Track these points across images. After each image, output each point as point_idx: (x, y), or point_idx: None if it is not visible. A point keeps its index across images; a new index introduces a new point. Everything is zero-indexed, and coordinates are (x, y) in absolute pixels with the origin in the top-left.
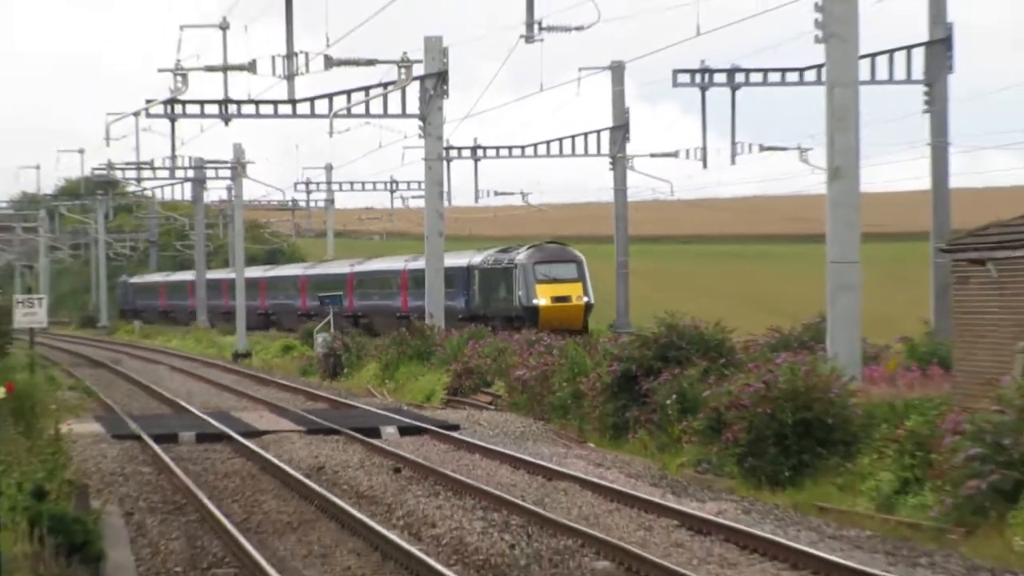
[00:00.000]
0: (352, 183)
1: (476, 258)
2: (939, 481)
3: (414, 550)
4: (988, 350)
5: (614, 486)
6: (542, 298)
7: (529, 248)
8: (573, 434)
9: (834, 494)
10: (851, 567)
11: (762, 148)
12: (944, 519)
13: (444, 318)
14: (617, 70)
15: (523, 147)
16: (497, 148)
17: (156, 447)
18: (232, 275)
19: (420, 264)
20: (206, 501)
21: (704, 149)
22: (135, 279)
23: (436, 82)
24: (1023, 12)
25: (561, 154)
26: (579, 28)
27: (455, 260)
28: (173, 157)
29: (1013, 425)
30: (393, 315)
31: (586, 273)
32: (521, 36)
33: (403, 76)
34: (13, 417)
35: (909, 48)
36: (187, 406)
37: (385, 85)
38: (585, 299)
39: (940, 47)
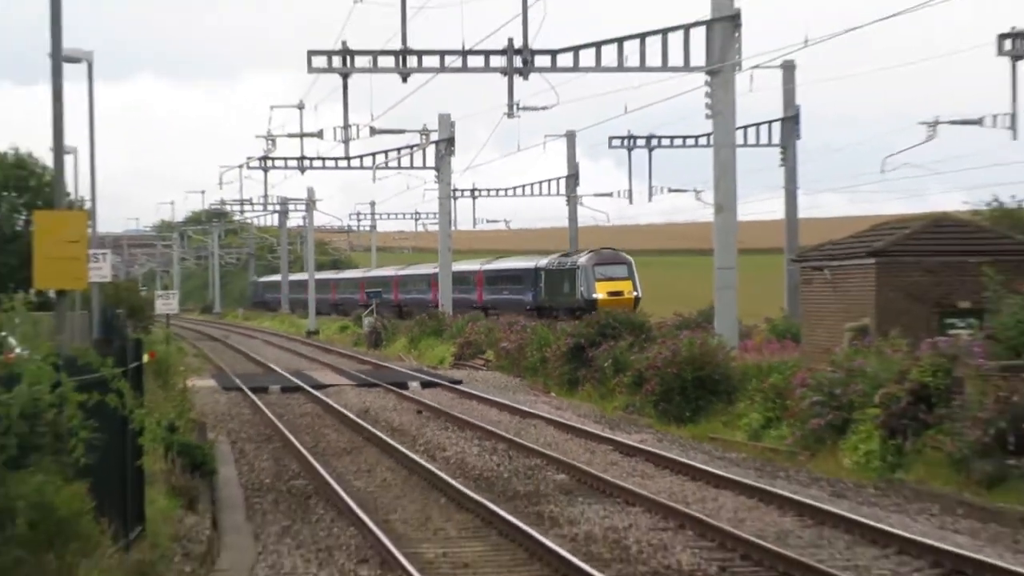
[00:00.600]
0: (388, 214)
1: (542, 261)
2: (792, 419)
3: (431, 466)
4: (825, 329)
5: (569, 423)
6: (600, 293)
7: (588, 253)
8: (540, 387)
9: (720, 428)
10: (731, 478)
11: (670, 190)
12: (795, 446)
13: (512, 310)
14: (570, 137)
15: (506, 189)
16: (488, 190)
17: (253, 396)
18: (317, 277)
19: (493, 266)
20: (287, 433)
21: (630, 191)
22: (263, 279)
23: (446, 145)
24: (843, 98)
25: (532, 194)
26: (544, 108)
27: (522, 264)
28: (265, 196)
29: (842, 381)
30: (471, 306)
31: (635, 273)
32: (505, 113)
33: (424, 141)
34: (154, 376)
35: (770, 122)
36: (274, 367)
37: (412, 147)
38: (635, 293)
39: (791, 122)
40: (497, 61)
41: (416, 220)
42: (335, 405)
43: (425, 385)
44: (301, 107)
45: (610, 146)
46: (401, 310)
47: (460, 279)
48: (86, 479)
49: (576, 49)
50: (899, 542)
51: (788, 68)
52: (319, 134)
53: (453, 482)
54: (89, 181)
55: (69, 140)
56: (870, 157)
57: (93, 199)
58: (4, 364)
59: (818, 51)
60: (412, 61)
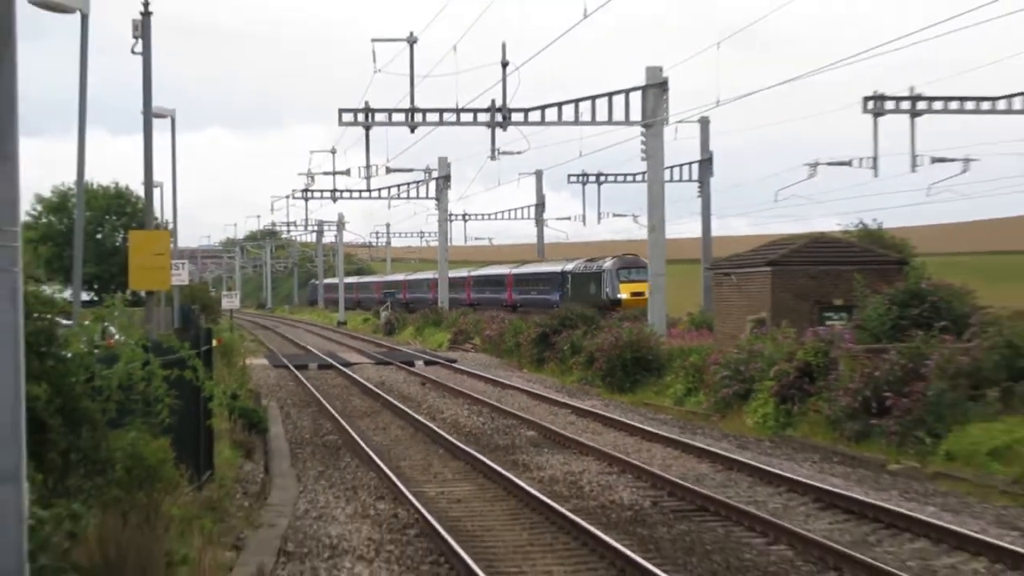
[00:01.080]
0: (400, 232)
1: (568, 266)
2: (707, 389)
3: (432, 425)
4: (732, 321)
5: (537, 392)
6: (624, 293)
7: (613, 258)
8: (515, 365)
9: (652, 396)
10: (661, 434)
11: (614, 215)
12: (709, 409)
13: (540, 309)
14: (539, 174)
15: (490, 214)
16: (476, 215)
17: (296, 372)
18: (346, 281)
19: (523, 270)
20: (322, 400)
21: (584, 215)
22: (317, 282)
23: (444, 180)
24: (746, 144)
25: (510, 218)
26: (519, 152)
27: (550, 267)
28: (306, 219)
29: (745, 360)
30: (502, 304)
31: None
32: (488, 156)
33: (427, 177)
34: (220, 356)
35: (690, 163)
36: (312, 349)
37: (418, 182)
38: None
39: (706, 163)
40: (483, 117)
41: (421, 237)
42: (359, 378)
43: (428, 363)
44: (333, 151)
45: (568, 181)
46: (408, 306)
47: (483, 281)
48: (168, 435)
49: (543, 108)
50: (788, 483)
51: (704, 123)
52: (347, 172)
53: (449, 437)
54: (172, 207)
55: (156, 176)
56: (766, 190)
57: (174, 221)
58: (106, 347)
59: (728, 109)
60: (418, 117)
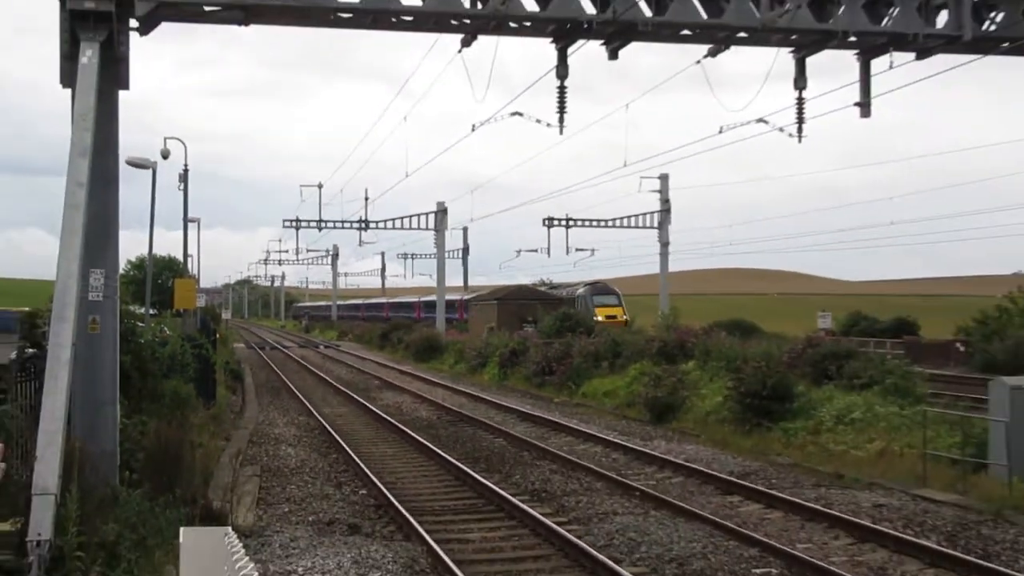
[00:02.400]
0: (314, 280)
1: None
2: (463, 360)
3: (328, 378)
4: (478, 328)
5: (380, 361)
6: (599, 316)
7: (587, 285)
8: (371, 349)
9: (437, 365)
10: (441, 383)
11: (419, 274)
12: (466, 371)
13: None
14: (383, 255)
15: (360, 273)
16: (353, 273)
17: (259, 352)
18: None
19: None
20: (271, 364)
21: (405, 274)
22: (301, 304)
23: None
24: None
25: (368, 274)
26: (374, 242)
27: (454, 297)
28: (266, 273)
29: (483, 346)
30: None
31: (622, 301)
32: (357, 244)
33: (328, 253)
34: (221, 343)
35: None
36: (267, 339)
37: (321, 255)
38: (625, 317)
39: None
40: (354, 225)
41: (323, 284)
42: (291, 355)
43: (325, 347)
44: (280, 240)
45: (398, 256)
46: (336, 320)
47: (425, 306)
48: (192, 383)
49: (388, 220)
50: (505, 408)
51: (464, 232)
52: (287, 251)
53: (336, 384)
54: (197, 268)
55: (191, 251)
56: (498, 260)
57: (198, 274)
58: (162, 338)
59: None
60: (327, 224)
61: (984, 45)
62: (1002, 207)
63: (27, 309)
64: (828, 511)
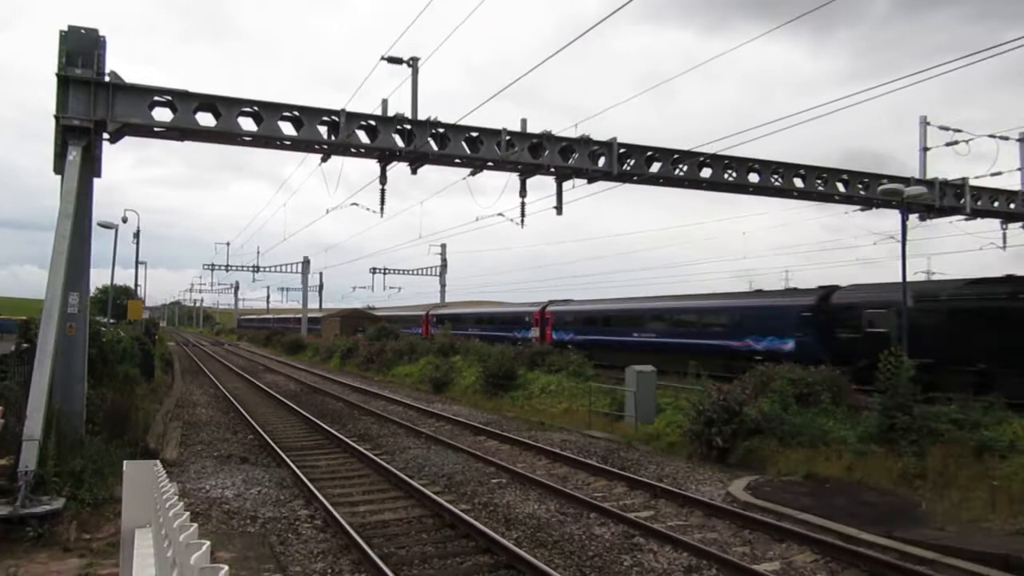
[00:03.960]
0: (222, 303)
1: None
2: (320, 354)
3: (231, 365)
4: (329, 334)
5: (265, 354)
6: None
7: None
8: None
9: (306, 358)
10: (307, 369)
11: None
12: (317, 361)
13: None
14: (267, 290)
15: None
16: (247, 299)
17: (186, 349)
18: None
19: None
20: (192, 356)
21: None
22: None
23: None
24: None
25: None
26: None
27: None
28: (197, 298)
29: (331, 346)
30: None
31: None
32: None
33: (231, 287)
34: (159, 341)
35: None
36: (191, 339)
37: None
38: None
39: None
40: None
41: (231, 304)
42: (206, 350)
43: (230, 345)
44: (212, 269)
45: (280, 289)
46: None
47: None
48: (138, 367)
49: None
50: (346, 385)
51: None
52: (209, 285)
53: (235, 369)
54: (144, 292)
55: (140, 282)
56: (341, 291)
57: (144, 297)
58: (119, 338)
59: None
60: (251, 270)
61: (624, 176)
62: (629, 268)
63: (24, 318)
64: (535, 444)
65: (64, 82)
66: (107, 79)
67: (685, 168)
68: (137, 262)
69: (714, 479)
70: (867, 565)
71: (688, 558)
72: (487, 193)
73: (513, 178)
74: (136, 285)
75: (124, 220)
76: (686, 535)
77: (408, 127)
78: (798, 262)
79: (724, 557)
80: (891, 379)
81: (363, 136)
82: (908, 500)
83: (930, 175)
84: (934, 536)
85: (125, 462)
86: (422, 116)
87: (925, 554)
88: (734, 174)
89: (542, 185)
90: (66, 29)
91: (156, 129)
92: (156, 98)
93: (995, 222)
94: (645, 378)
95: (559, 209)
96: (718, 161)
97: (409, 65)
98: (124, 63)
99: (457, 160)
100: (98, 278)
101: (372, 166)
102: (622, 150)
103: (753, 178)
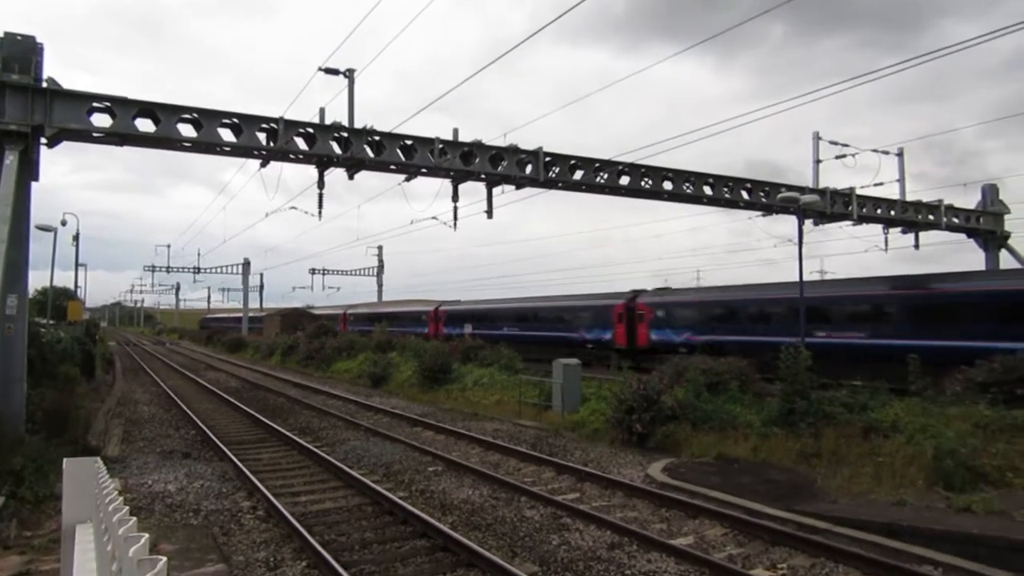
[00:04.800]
0: (166, 303)
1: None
2: (265, 352)
3: (173, 364)
4: (270, 333)
5: (209, 352)
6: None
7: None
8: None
9: (248, 356)
10: (249, 367)
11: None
12: (259, 359)
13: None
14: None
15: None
16: (188, 299)
17: (128, 348)
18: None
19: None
20: (134, 356)
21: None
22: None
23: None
24: None
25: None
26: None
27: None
28: (138, 299)
29: (272, 343)
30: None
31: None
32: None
33: (173, 287)
34: (100, 341)
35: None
36: (132, 339)
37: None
38: None
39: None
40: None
41: (172, 305)
42: (148, 350)
43: (171, 344)
44: (153, 271)
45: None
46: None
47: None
48: (79, 367)
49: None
50: (291, 383)
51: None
52: (151, 287)
53: (176, 367)
54: (84, 293)
55: (80, 283)
56: (283, 290)
57: (85, 297)
58: (58, 337)
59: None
60: (193, 273)
61: (549, 183)
62: (554, 269)
63: None
64: (469, 434)
65: (0, 87)
66: (44, 85)
67: (606, 176)
68: (77, 264)
69: (634, 462)
70: (770, 536)
71: (611, 536)
72: (422, 198)
73: (446, 183)
74: (76, 287)
75: (63, 223)
76: (609, 515)
77: (345, 135)
78: (708, 262)
79: (643, 534)
80: (790, 368)
81: (301, 143)
82: (806, 477)
83: (822, 184)
84: (827, 508)
85: (65, 459)
86: (359, 124)
87: (819, 524)
88: (650, 182)
89: (474, 191)
90: (2, 35)
91: (95, 135)
92: (95, 104)
93: (878, 227)
94: (571, 370)
95: (489, 213)
96: (635, 170)
97: (346, 76)
98: (70, 71)
99: (392, 166)
100: (37, 280)
101: (310, 171)
102: (547, 159)
103: (667, 186)
